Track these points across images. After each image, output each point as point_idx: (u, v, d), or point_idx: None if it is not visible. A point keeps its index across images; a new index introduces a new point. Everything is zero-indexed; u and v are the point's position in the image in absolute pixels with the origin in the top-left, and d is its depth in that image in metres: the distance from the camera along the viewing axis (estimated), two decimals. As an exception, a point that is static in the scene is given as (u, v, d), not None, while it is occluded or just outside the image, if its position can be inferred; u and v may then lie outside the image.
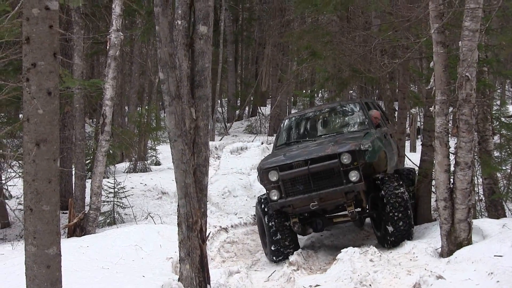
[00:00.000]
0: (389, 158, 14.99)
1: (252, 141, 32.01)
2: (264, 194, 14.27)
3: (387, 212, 12.98)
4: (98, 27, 24.08)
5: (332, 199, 13.24)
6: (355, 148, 13.01)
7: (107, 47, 16.57)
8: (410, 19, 14.88)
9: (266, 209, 13.80)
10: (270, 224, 13.67)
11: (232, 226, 16.96)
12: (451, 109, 12.71)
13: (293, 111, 39.28)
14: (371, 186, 13.58)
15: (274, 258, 13.74)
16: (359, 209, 13.89)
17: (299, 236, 14.50)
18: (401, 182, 13.46)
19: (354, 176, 12.87)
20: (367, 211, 13.92)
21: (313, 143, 14.49)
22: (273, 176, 13.30)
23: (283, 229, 13.61)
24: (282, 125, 16.51)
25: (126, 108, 32.28)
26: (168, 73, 9.44)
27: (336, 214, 14.27)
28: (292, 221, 13.53)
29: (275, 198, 13.27)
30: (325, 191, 13.01)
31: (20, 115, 23.28)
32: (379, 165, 14.19)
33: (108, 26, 18.61)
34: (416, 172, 16.63)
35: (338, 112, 16.23)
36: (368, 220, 15.83)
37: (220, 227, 16.65)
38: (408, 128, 32.31)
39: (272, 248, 13.66)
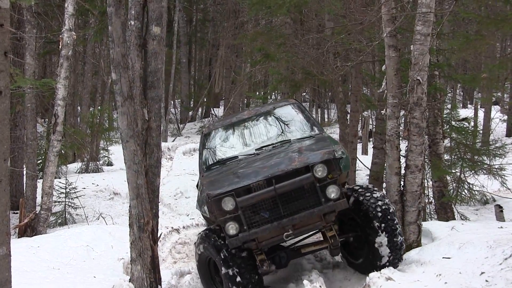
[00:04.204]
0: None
1: (205, 143, 31.92)
2: (209, 229, 11.02)
3: (376, 231, 10.36)
4: (50, 26, 23.87)
5: (308, 224, 10.21)
6: (329, 157, 10.16)
7: (60, 47, 16.44)
8: (363, 23, 15.04)
9: (220, 249, 10.34)
10: (229, 268, 10.18)
11: (184, 227, 16.91)
12: (402, 112, 12.86)
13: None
14: None
15: None
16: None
17: None
18: (381, 193, 10.88)
19: (333, 192, 9.99)
20: (338, 234, 10.52)
21: (259, 157, 11.53)
22: (228, 204, 10.04)
23: (249, 272, 10.21)
24: (206, 140, 13.27)
25: (79, 108, 32.16)
26: (121, 73, 9.43)
27: (305, 243, 11.32)
28: (258, 259, 10.24)
29: (234, 232, 10.01)
30: (299, 215, 9.98)
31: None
32: (344, 175, 11.37)
33: (60, 25, 18.49)
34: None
35: (274, 117, 13.28)
36: None
37: (172, 228, 16.61)
38: (360, 131, 32.61)
39: None
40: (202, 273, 11.30)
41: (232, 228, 10.00)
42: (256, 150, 12.07)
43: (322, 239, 10.81)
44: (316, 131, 12.40)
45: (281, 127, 12.95)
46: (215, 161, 12.46)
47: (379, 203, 10.50)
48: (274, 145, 12.06)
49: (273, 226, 9.96)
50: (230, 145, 12.85)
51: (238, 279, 10.08)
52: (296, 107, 13.27)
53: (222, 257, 10.25)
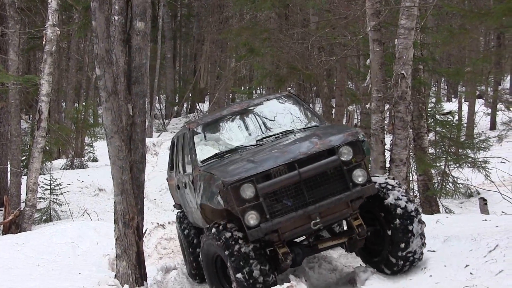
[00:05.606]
0: None
1: (190, 138, 31.87)
2: (217, 223, 9.55)
3: (398, 227, 9.42)
4: (34, 22, 23.82)
5: (334, 212, 9.22)
6: (354, 139, 9.27)
7: (43, 42, 16.39)
8: (348, 17, 15.08)
9: (230, 244, 9.03)
10: (249, 266, 8.89)
11: (169, 223, 16.88)
12: (387, 106, 12.90)
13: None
14: None
15: None
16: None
17: None
18: (396, 180, 10.10)
19: (360, 176, 9.09)
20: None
21: (263, 147, 10.31)
22: (248, 192, 8.89)
23: (264, 270, 8.92)
24: (196, 135, 11.35)
25: (63, 104, 32.06)
26: (105, 69, 9.42)
27: (324, 237, 10.23)
28: (281, 252, 9.13)
29: (255, 222, 8.85)
30: (326, 202, 9.00)
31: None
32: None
33: (44, 21, 18.40)
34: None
35: (269, 109, 11.71)
36: None
37: (157, 223, 16.59)
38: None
39: None
40: (208, 272, 9.99)
41: (252, 218, 8.87)
42: (257, 141, 10.82)
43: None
44: (318, 121, 11.25)
45: (281, 118, 11.51)
46: (211, 155, 10.87)
47: (406, 199, 9.54)
48: (276, 136, 10.84)
49: (298, 214, 8.93)
50: (226, 138, 11.34)
51: (251, 278, 8.85)
52: (291, 99, 11.95)
53: (233, 254, 9.01)
